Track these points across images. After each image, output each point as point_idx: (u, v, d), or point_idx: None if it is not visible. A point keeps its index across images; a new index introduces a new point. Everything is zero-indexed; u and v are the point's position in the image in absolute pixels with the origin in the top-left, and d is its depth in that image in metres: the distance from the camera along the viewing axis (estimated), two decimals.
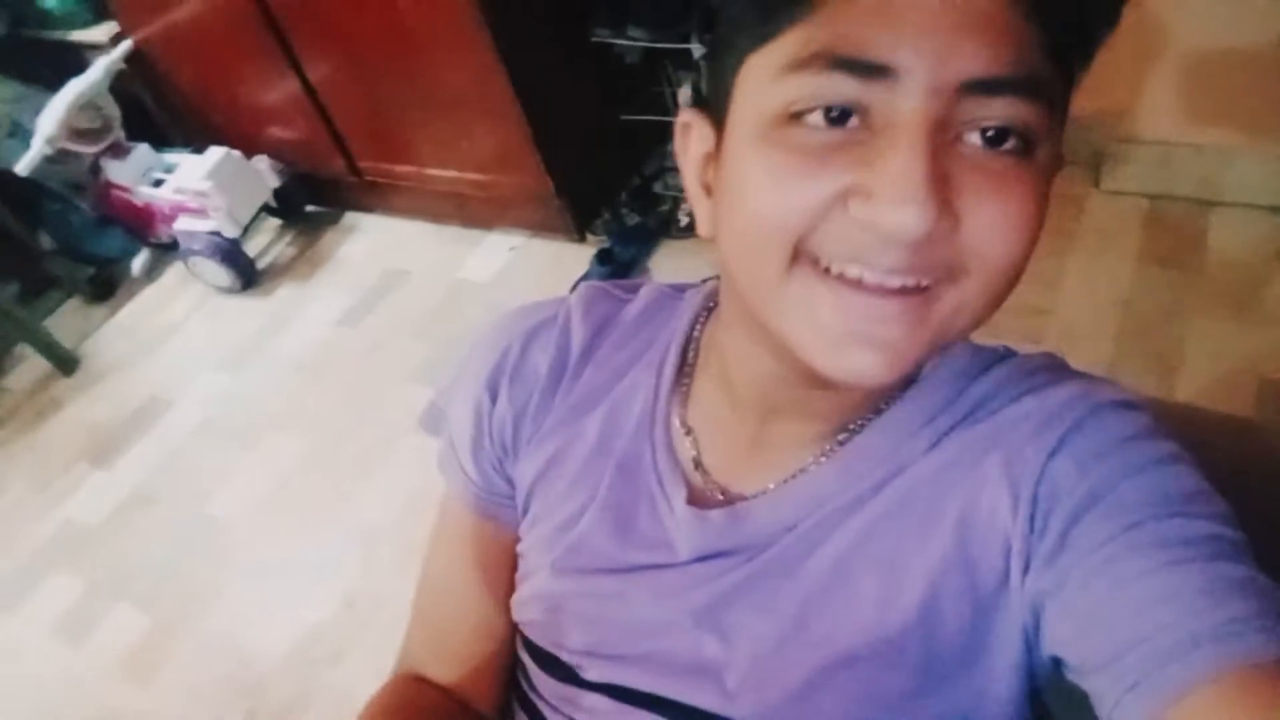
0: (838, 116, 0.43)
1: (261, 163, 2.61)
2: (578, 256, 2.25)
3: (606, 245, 2.23)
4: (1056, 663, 0.49)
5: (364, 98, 2.34)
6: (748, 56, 0.46)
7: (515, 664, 0.69)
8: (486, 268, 2.40)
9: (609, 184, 2.34)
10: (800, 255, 0.45)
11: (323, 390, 2.28)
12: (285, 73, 2.41)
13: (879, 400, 0.56)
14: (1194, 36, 1.68)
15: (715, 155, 0.50)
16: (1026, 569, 0.49)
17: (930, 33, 0.40)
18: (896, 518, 0.53)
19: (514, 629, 0.69)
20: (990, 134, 0.42)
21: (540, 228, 2.37)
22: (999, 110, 0.42)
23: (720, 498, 0.60)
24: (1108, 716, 0.44)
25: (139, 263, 2.83)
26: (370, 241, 2.66)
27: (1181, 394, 1.59)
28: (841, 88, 0.42)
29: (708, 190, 0.52)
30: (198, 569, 1.97)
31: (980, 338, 0.58)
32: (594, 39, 2.06)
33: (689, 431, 0.62)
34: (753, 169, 0.46)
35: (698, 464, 0.61)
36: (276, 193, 2.65)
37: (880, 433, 0.55)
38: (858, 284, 0.44)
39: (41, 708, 1.84)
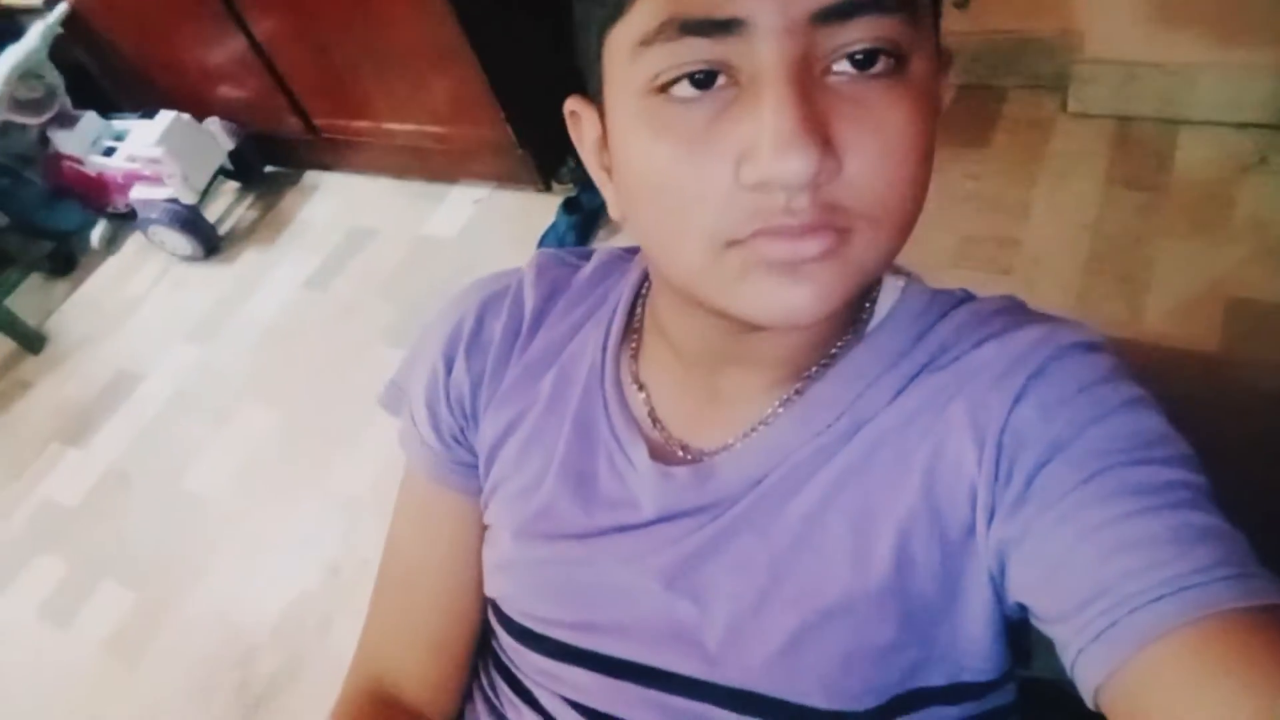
0: (703, 79, 0.43)
1: (214, 125, 2.54)
2: (544, 206, 2.22)
3: (573, 193, 2.19)
4: (1024, 609, 0.49)
5: (313, 52, 2.27)
6: (606, 35, 0.46)
7: (493, 643, 0.69)
8: (452, 222, 2.36)
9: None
10: (718, 242, 0.45)
11: (294, 356, 2.25)
12: (230, 29, 2.33)
13: (829, 345, 0.56)
14: None
15: (605, 138, 0.50)
16: (992, 517, 0.49)
17: None
18: (864, 470, 0.53)
19: (483, 608, 0.69)
20: (859, 57, 0.42)
21: (504, 179, 2.33)
22: (858, 32, 0.42)
23: (681, 454, 0.60)
24: (1071, 665, 0.44)
25: (97, 234, 2.77)
26: (333, 201, 2.61)
27: (1151, 316, 1.59)
28: (697, 51, 0.42)
29: (608, 173, 0.52)
30: (180, 544, 1.96)
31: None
32: None
33: (641, 387, 0.62)
34: (641, 159, 0.46)
35: (654, 420, 0.61)
36: (232, 155, 2.59)
37: (837, 380, 0.55)
38: (776, 234, 0.44)
39: (34, 689, 1.84)
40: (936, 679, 0.52)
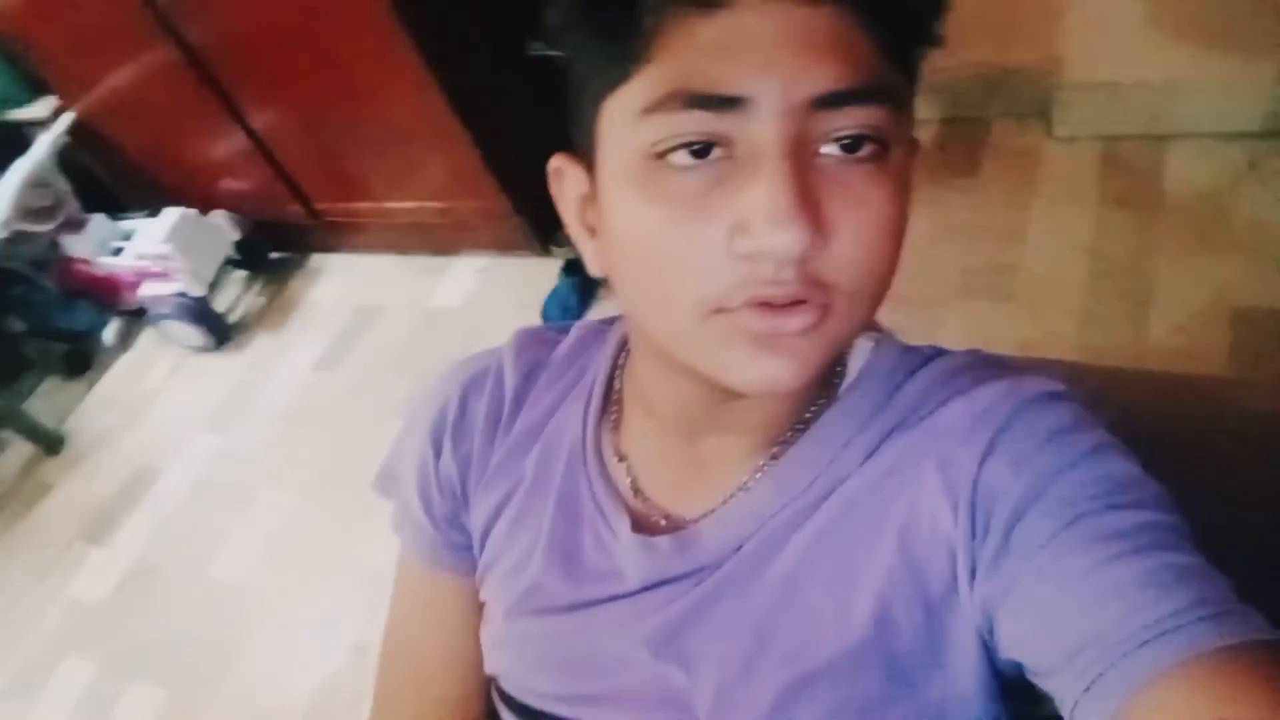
0: (700, 149, 0.44)
1: (219, 217, 2.59)
2: (545, 270, 2.24)
3: (573, 256, 2.22)
4: (1019, 666, 0.49)
5: (310, 140, 2.33)
6: (604, 100, 0.47)
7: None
8: (456, 293, 2.39)
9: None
10: (705, 308, 0.46)
11: (310, 437, 2.27)
12: (229, 125, 2.39)
13: (804, 409, 0.57)
14: None
15: (592, 196, 0.52)
16: (973, 574, 0.49)
17: (775, 58, 0.42)
18: (840, 531, 0.54)
19: (486, 684, 0.69)
20: (846, 142, 0.44)
21: (505, 247, 2.36)
22: (850, 119, 0.44)
23: (664, 523, 0.60)
24: (1070, 717, 0.44)
25: (110, 333, 2.81)
26: (338, 281, 2.65)
27: (1156, 332, 1.59)
28: (699, 123, 0.44)
29: (591, 231, 0.53)
30: (207, 634, 1.96)
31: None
32: (532, 53, 2.05)
33: (623, 459, 0.63)
34: (633, 221, 0.47)
35: (636, 490, 0.62)
36: (238, 245, 2.63)
37: (812, 443, 0.56)
38: (762, 307, 0.45)
39: None
40: None
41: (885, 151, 0.46)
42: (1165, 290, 1.63)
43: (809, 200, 0.43)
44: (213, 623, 1.97)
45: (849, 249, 0.45)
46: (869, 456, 0.54)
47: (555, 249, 2.29)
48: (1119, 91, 1.83)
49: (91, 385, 2.76)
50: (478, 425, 0.67)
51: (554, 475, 0.64)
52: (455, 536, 0.68)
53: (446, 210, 2.32)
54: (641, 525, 0.60)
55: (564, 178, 0.55)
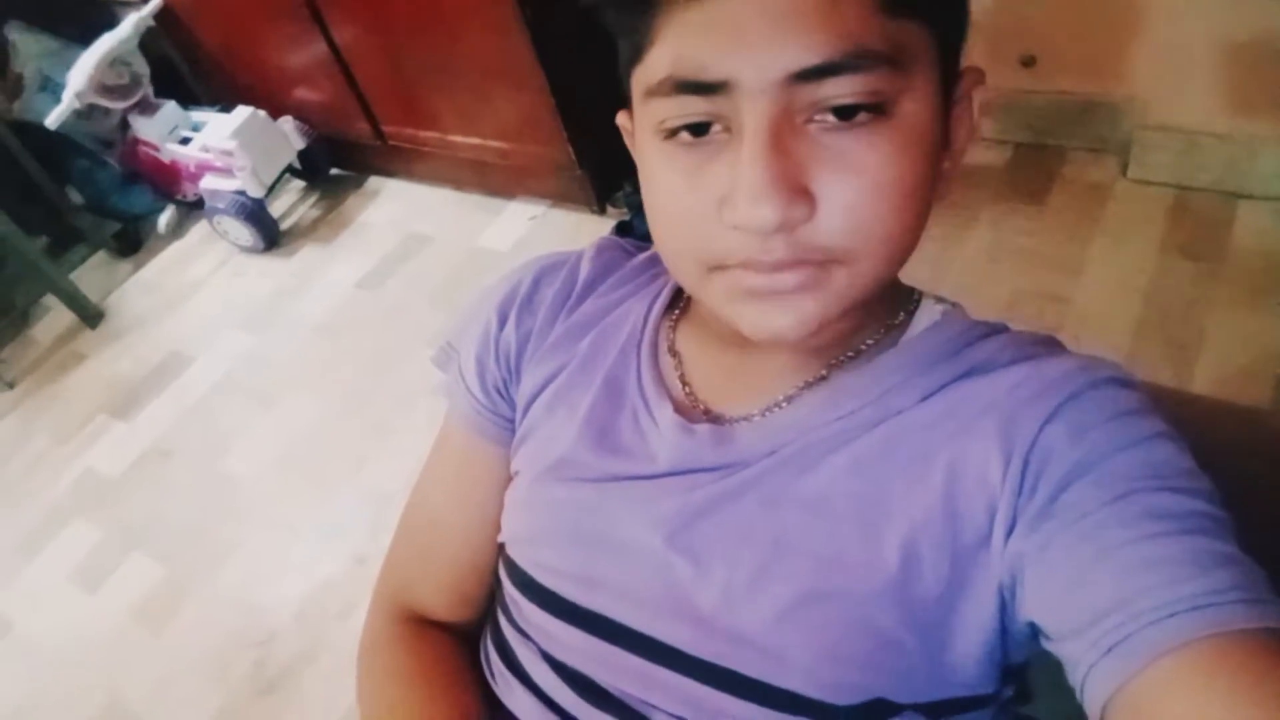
0: (698, 128, 0.48)
1: (287, 124, 2.62)
2: (597, 228, 2.26)
3: (626, 218, 2.23)
4: (1032, 629, 0.49)
5: (390, 62, 2.35)
6: (631, 71, 0.52)
7: (497, 595, 0.71)
8: (506, 236, 2.41)
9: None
10: (704, 266, 0.51)
11: (340, 352, 2.30)
12: (313, 35, 2.41)
13: (859, 338, 0.59)
14: (1226, 25, 1.65)
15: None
16: (1010, 530, 0.50)
17: (749, 37, 0.44)
18: (883, 461, 0.54)
19: (496, 558, 0.71)
20: (838, 108, 0.45)
21: (561, 198, 2.38)
22: (837, 89, 0.45)
23: (704, 418, 0.62)
24: (1081, 681, 0.44)
25: (164, 220, 2.86)
26: (392, 206, 2.67)
27: (1199, 384, 1.57)
28: (691, 106, 0.47)
29: None
30: (213, 523, 2.00)
31: (998, 318, 0.60)
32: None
33: (676, 355, 0.65)
34: (649, 183, 0.53)
35: (684, 384, 0.64)
36: (301, 155, 2.67)
37: (866, 373, 0.57)
38: (755, 267, 0.49)
39: (57, 650, 1.88)
40: (919, 691, 0.52)
41: (887, 110, 0.46)
42: (1213, 344, 1.62)
43: (788, 174, 0.45)
44: (218, 513, 2.01)
45: (840, 215, 0.47)
46: (927, 397, 0.55)
47: (611, 209, 2.30)
48: (1200, 142, 1.80)
49: (138, 267, 2.81)
50: (545, 304, 0.70)
51: (605, 358, 0.67)
52: (501, 407, 0.71)
53: (510, 152, 2.34)
54: (682, 414, 0.62)
55: (626, 133, 0.59)
